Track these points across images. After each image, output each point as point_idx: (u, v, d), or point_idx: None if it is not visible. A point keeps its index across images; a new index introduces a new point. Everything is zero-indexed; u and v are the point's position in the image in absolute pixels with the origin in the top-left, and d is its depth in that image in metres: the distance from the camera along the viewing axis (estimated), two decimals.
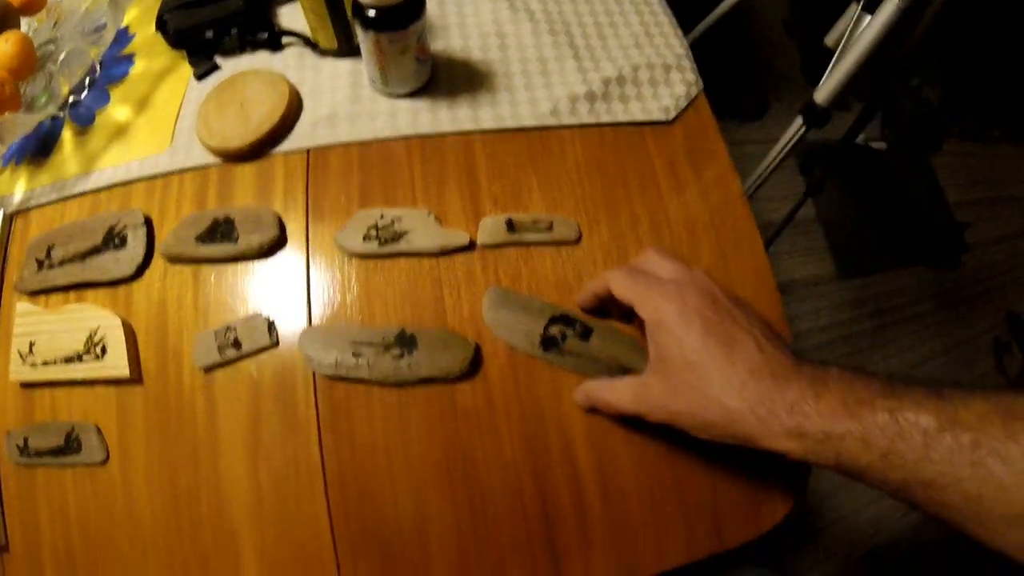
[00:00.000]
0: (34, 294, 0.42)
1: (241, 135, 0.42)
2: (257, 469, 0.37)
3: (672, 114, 0.45)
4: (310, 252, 0.40)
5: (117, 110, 0.47)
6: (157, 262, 0.41)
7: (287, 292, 0.39)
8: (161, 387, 0.39)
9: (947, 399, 0.26)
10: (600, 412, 0.37)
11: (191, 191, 0.42)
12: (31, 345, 0.41)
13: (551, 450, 0.37)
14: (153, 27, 0.48)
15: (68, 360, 0.40)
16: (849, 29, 0.61)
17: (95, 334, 0.40)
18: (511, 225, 0.40)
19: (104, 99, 0.48)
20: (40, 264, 0.42)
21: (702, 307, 0.32)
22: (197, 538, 0.37)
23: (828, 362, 0.30)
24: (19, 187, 0.46)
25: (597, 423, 0.37)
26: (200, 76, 0.47)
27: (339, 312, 0.39)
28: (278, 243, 0.40)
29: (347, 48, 0.45)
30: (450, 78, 0.45)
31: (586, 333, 0.38)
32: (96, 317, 0.40)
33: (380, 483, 0.36)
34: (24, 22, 0.49)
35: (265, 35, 0.46)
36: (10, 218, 0.45)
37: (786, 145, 0.73)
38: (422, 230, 0.39)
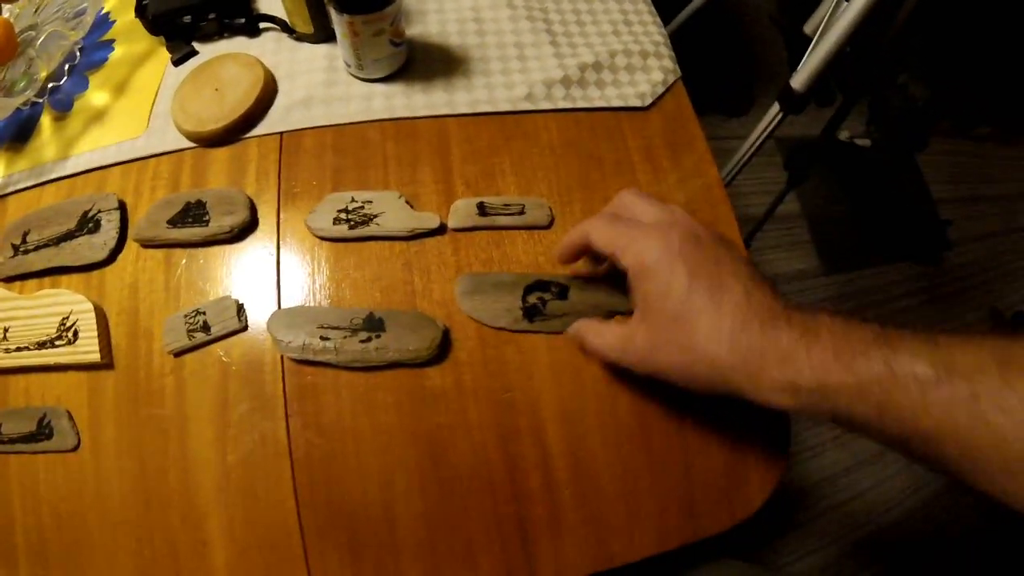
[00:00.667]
0: (9, 280, 0.42)
1: (216, 117, 0.41)
2: (225, 452, 0.36)
3: (648, 100, 0.44)
4: (280, 235, 0.40)
5: (95, 96, 0.47)
6: (130, 246, 0.41)
7: (257, 275, 0.39)
8: (132, 371, 0.39)
9: (943, 346, 0.25)
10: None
11: (166, 174, 0.42)
12: (5, 331, 0.41)
13: (521, 433, 0.36)
14: (132, 13, 0.48)
15: (41, 345, 0.40)
16: (827, 16, 0.61)
17: (67, 319, 0.40)
18: (482, 209, 0.39)
19: (83, 85, 0.48)
20: (16, 249, 0.42)
21: (686, 249, 0.30)
22: (166, 520, 0.36)
23: (817, 307, 0.29)
24: None
25: (568, 404, 0.37)
26: (178, 61, 0.47)
27: (309, 295, 0.38)
28: (249, 226, 0.40)
29: (323, 33, 0.45)
30: (426, 62, 0.45)
31: (563, 291, 0.37)
32: (69, 302, 0.40)
33: (348, 466, 0.36)
34: (5, 8, 0.49)
35: (243, 20, 0.46)
36: None
37: (764, 131, 0.73)
38: (393, 213, 0.39)
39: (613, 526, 0.36)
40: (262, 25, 0.47)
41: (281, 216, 0.40)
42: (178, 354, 0.38)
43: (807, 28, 0.74)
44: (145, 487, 0.37)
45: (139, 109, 0.45)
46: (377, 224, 0.39)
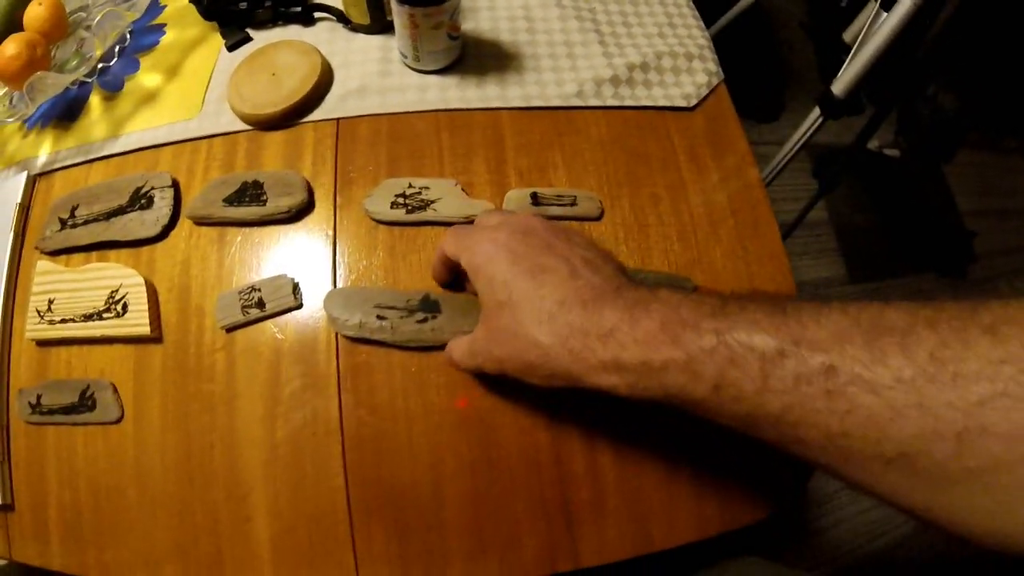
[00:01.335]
0: (55, 253, 0.42)
1: (273, 102, 0.42)
2: (275, 428, 0.37)
3: (694, 101, 0.46)
4: (337, 217, 0.40)
5: (146, 77, 0.48)
6: (183, 224, 0.41)
7: (313, 255, 0.40)
8: (181, 346, 0.39)
9: (791, 314, 0.21)
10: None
11: (220, 156, 0.43)
12: (50, 303, 0.41)
13: (566, 416, 0.37)
14: None
15: (87, 317, 0.40)
16: (867, 25, 0.64)
17: (116, 292, 0.40)
18: (536, 198, 0.40)
19: (134, 66, 0.49)
20: (63, 223, 0.43)
21: (512, 241, 0.29)
22: (209, 496, 0.36)
23: (662, 285, 0.27)
24: (44, 150, 0.47)
25: None
26: (232, 47, 0.48)
27: (364, 276, 0.39)
28: (306, 207, 0.40)
29: (378, 25, 0.46)
30: (479, 57, 0.46)
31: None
32: (118, 276, 0.40)
33: (398, 445, 0.36)
34: None
35: (298, 8, 0.47)
36: (33, 180, 0.46)
37: (804, 135, 0.75)
38: (449, 200, 0.40)
39: (654, 512, 0.36)
40: (317, 15, 0.48)
41: (338, 199, 0.41)
42: (230, 329, 0.38)
43: (846, 36, 0.76)
44: (189, 462, 0.37)
45: (192, 91, 0.46)
46: (434, 210, 0.39)
